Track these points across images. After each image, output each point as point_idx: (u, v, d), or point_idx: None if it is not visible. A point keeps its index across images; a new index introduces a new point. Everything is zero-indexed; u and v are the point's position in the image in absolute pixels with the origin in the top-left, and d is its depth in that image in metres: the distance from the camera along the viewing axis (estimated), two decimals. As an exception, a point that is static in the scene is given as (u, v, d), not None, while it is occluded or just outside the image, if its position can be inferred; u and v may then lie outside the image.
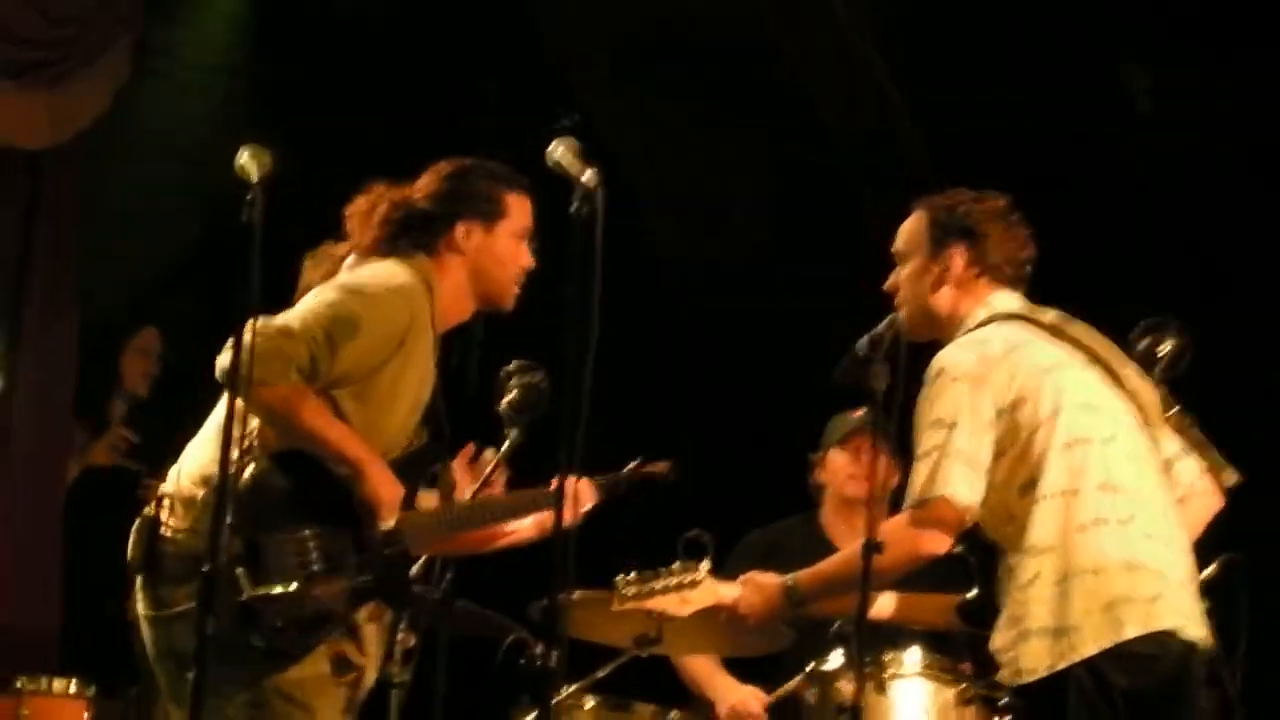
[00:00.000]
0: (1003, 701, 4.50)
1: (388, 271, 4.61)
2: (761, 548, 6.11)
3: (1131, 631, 4.24)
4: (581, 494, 4.72)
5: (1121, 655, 4.22)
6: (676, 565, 4.62)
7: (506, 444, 4.98)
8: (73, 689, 6.27)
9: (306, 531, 4.38)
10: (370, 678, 4.60)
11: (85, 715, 6.23)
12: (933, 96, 7.64)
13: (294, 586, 4.32)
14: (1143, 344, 4.93)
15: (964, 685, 5.19)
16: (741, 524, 6.25)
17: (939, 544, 4.37)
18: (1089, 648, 4.22)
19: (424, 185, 4.78)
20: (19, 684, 6.19)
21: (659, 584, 4.60)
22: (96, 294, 7.48)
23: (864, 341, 4.54)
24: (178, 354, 7.22)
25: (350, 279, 4.59)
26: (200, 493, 4.39)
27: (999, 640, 4.34)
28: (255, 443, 4.38)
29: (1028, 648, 4.26)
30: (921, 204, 4.67)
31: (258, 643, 4.30)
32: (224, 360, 4.25)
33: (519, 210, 4.79)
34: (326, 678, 4.42)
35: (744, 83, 7.80)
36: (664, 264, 8.26)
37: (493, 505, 4.84)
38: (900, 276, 4.64)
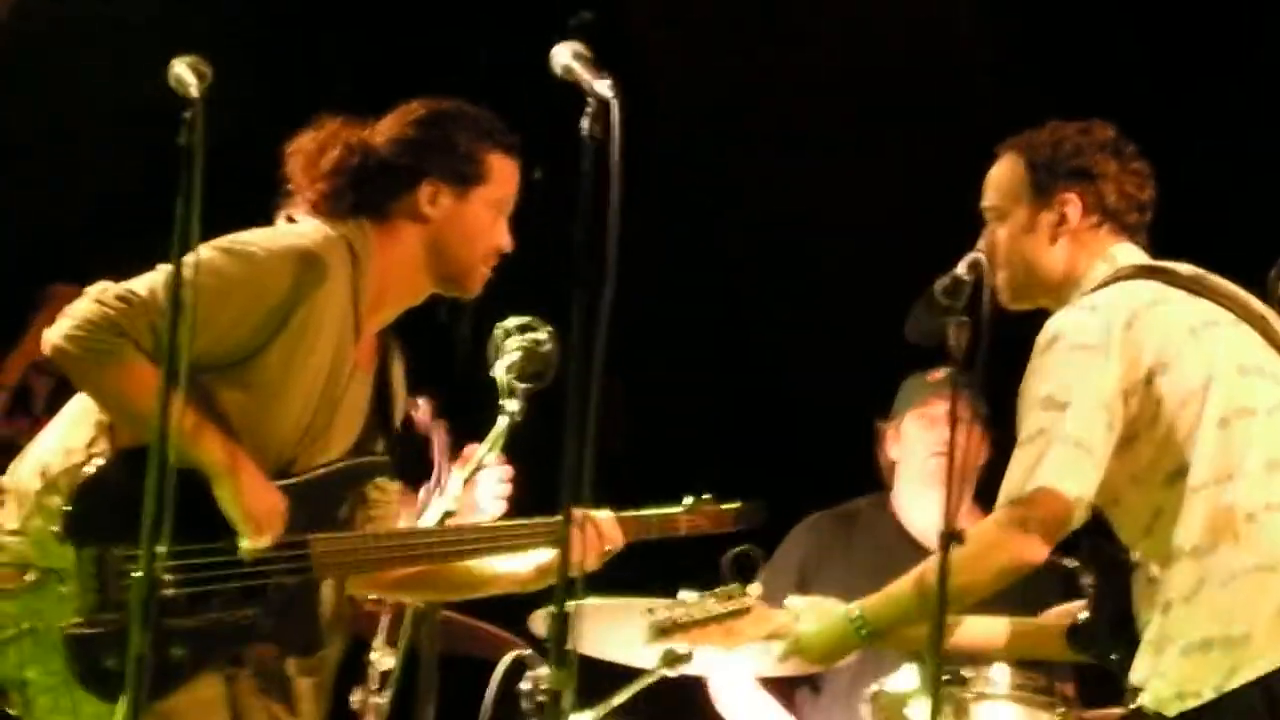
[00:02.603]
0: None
1: (289, 230, 4.06)
2: (822, 534, 5.67)
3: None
4: (605, 534, 4.23)
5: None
6: (720, 589, 4.19)
7: (503, 420, 4.34)
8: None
9: (160, 547, 3.62)
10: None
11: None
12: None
13: None
14: None
15: (1062, 710, 4.71)
16: (788, 511, 5.63)
17: (1037, 550, 3.92)
18: (1262, 663, 3.79)
19: (387, 129, 4.15)
20: None
21: (699, 612, 4.16)
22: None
23: (940, 286, 3.99)
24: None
25: (231, 236, 3.98)
26: (36, 486, 3.89)
27: (1144, 666, 3.89)
28: (107, 434, 3.90)
29: (1186, 665, 3.84)
30: (1013, 145, 4.22)
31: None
32: (56, 331, 3.80)
33: (502, 175, 4.20)
34: None
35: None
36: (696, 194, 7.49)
37: (475, 533, 4.25)
38: (997, 236, 4.18)
